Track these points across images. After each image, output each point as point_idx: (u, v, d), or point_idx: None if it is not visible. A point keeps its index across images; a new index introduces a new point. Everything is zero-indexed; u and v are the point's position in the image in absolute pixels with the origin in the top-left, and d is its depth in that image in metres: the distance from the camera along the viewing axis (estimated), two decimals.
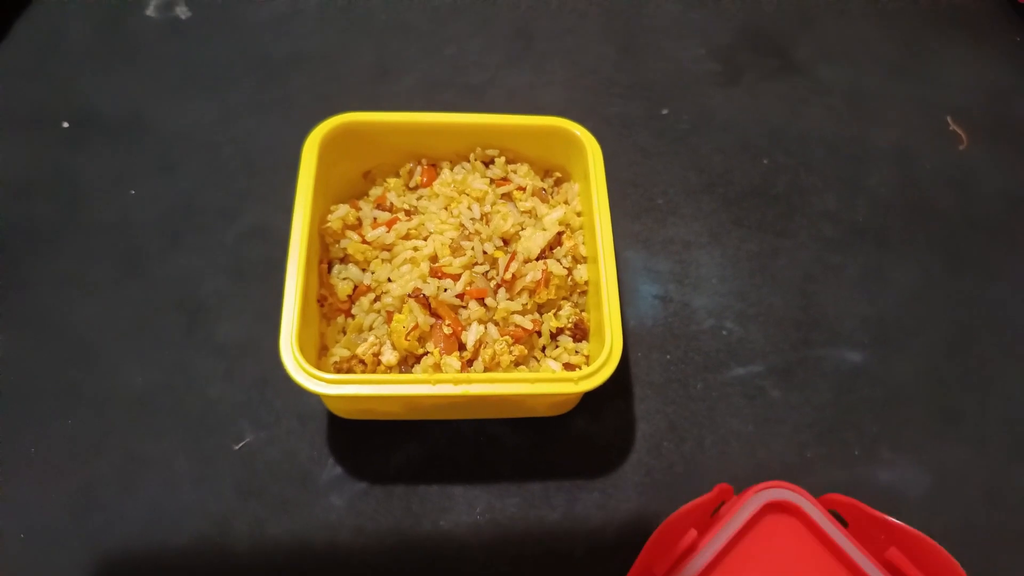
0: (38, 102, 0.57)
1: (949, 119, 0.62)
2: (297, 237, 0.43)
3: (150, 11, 0.62)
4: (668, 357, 0.50)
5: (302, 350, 0.39)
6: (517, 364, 0.43)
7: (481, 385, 0.39)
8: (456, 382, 0.39)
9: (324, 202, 0.47)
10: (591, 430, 0.47)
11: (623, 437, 0.47)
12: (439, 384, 0.39)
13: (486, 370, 0.42)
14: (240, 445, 0.45)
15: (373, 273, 0.45)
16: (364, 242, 0.46)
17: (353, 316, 0.45)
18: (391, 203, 0.48)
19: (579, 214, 0.48)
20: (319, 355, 0.44)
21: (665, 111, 0.61)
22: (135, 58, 0.60)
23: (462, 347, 0.43)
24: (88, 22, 0.61)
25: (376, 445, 0.46)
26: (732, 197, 0.58)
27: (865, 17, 0.68)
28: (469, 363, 0.43)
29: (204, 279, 0.51)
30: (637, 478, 0.46)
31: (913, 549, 0.40)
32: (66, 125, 0.56)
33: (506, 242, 0.46)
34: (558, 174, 0.51)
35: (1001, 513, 0.47)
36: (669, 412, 0.48)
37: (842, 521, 0.42)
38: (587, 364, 0.44)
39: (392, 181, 0.50)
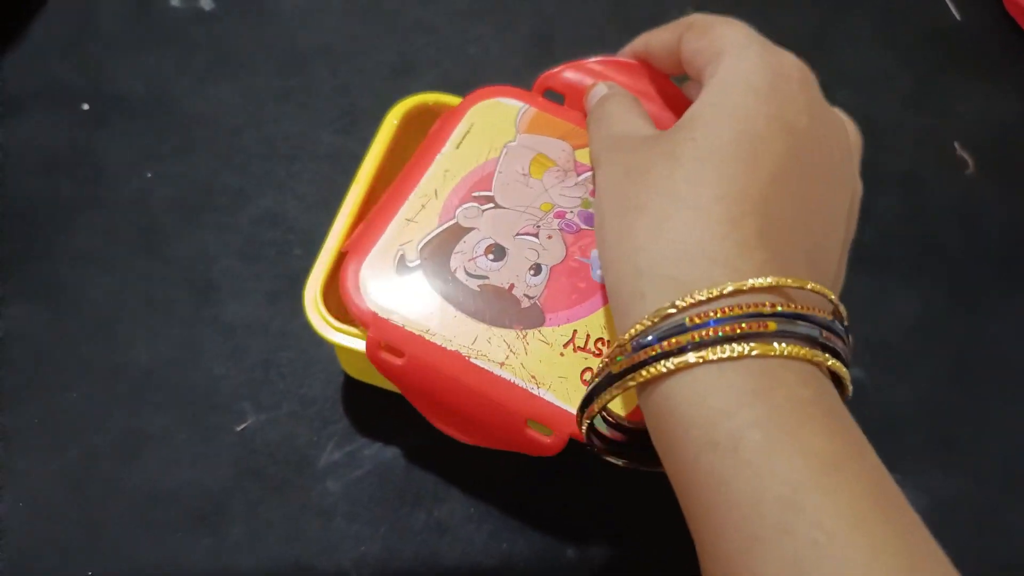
0: (64, 80, 0.58)
1: (957, 145, 0.63)
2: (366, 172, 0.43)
3: (174, 1, 0.63)
4: None
5: (325, 295, 0.40)
6: None
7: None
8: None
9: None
10: None
11: None
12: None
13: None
14: (242, 427, 0.46)
15: None
16: None
17: None
18: None
19: None
20: None
21: None
22: (161, 44, 0.61)
23: None
24: (117, 6, 0.62)
25: (378, 433, 0.46)
26: None
27: (881, 46, 0.69)
28: None
29: (216, 260, 0.51)
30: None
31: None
32: (86, 107, 0.57)
33: None
34: None
35: (990, 542, 0.47)
36: None
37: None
38: None
39: None
